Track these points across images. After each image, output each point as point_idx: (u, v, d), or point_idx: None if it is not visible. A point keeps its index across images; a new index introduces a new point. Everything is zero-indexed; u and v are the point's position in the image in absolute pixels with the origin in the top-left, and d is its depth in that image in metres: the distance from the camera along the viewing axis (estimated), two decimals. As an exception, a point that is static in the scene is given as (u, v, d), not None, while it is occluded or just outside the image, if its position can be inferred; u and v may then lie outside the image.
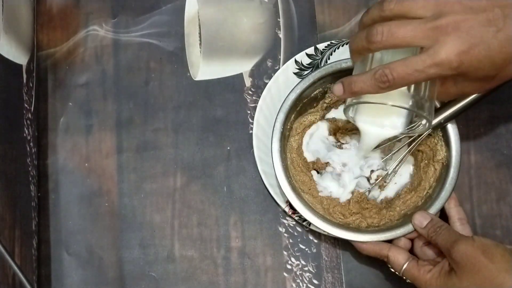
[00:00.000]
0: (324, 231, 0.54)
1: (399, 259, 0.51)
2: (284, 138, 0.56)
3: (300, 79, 0.56)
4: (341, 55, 0.59)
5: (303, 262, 0.59)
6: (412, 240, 0.54)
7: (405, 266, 0.51)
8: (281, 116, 0.56)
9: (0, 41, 0.57)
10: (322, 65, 0.60)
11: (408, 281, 0.51)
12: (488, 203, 0.59)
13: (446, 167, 0.54)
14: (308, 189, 0.57)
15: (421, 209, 0.53)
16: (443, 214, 0.54)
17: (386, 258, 0.52)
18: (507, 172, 0.59)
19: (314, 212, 0.54)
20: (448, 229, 0.50)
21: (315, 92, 0.57)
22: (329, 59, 0.60)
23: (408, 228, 0.52)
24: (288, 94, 0.56)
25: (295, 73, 0.61)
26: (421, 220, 0.52)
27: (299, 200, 0.54)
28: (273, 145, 0.55)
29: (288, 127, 0.57)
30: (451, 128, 0.54)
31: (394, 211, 0.56)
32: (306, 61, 0.61)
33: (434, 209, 0.53)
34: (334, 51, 0.61)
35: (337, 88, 0.49)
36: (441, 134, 0.55)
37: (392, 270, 0.53)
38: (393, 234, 0.53)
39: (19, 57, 0.61)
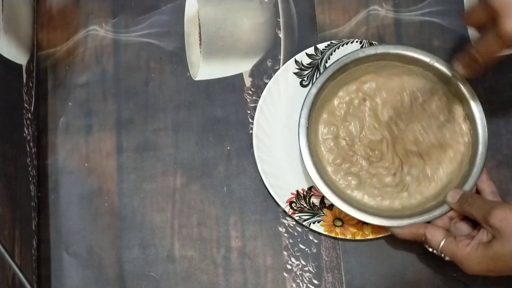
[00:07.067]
0: (368, 221, 0.54)
1: (436, 235, 0.51)
2: (310, 132, 0.56)
3: (318, 74, 0.57)
4: (341, 55, 0.59)
5: (303, 262, 0.59)
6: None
7: (442, 242, 0.50)
8: (305, 112, 0.56)
9: (0, 41, 0.57)
10: (322, 65, 0.60)
11: (446, 258, 0.51)
12: (488, 203, 0.59)
13: (474, 144, 0.55)
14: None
15: (455, 187, 0.54)
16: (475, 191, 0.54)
17: (423, 237, 0.52)
18: (507, 172, 0.59)
19: (351, 205, 0.55)
20: (481, 199, 0.51)
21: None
22: (329, 59, 0.60)
23: (444, 208, 0.53)
24: (310, 89, 0.56)
25: (295, 73, 0.61)
26: (453, 195, 0.52)
27: (335, 195, 0.54)
28: (300, 142, 0.55)
29: (313, 120, 0.57)
30: (475, 105, 0.54)
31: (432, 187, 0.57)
32: (306, 61, 0.61)
33: (468, 186, 0.53)
34: (334, 51, 0.61)
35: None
36: (465, 113, 0.56)
37: (430, 249, 0.52)
38: (430, 216, 0.53)
39: (19, 57, 0.61)
